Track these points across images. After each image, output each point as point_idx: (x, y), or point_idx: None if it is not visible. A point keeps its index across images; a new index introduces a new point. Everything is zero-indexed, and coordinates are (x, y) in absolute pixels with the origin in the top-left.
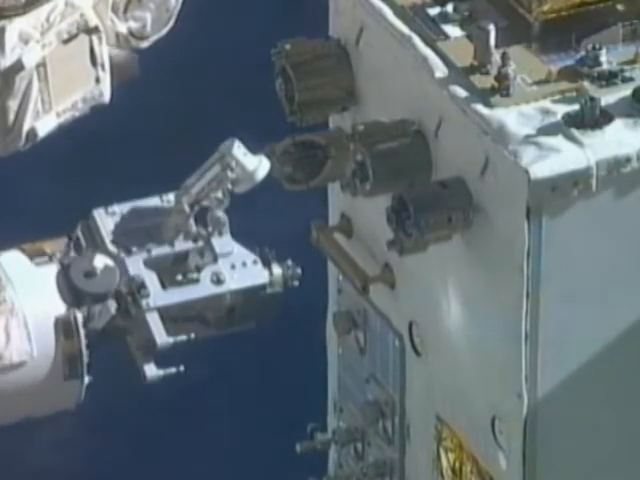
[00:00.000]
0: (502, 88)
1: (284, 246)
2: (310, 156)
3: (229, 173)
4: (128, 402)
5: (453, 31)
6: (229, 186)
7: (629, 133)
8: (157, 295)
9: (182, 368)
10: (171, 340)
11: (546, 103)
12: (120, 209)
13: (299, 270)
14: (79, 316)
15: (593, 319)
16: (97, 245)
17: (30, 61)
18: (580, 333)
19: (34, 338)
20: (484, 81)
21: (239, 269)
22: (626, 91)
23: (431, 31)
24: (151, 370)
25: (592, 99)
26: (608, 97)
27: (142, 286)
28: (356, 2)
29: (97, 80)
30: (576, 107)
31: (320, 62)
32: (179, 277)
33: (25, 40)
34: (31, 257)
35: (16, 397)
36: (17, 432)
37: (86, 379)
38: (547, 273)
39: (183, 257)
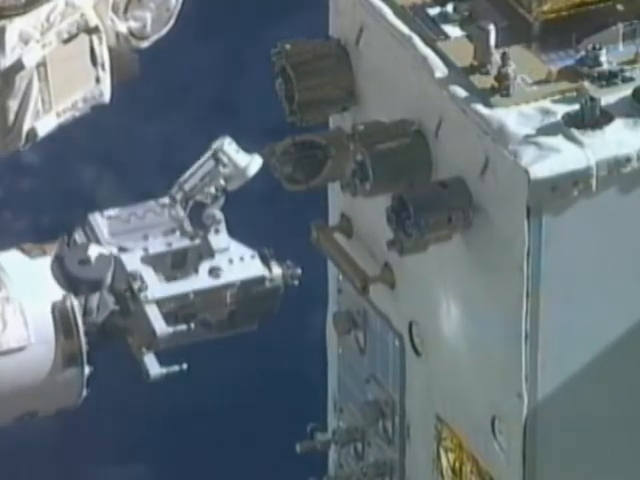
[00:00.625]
0: (502, 88)
1: (284, 246)
2: (310, 156)
3: (221, 168)
4: (129, 401)
5: (453, 31)
6: (222, 182)
7: (629, 133)
8: (155, 288)
9: (185, 366)
10: (170, 330)
11: (546, 103)
12: (115, 212)
13: (299, 270)
14: (75, 302)
15: (593, 319)
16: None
17: (30, 61)
18: (580, 333)
19: (31, 324)
20: (484, 81)
21: (237, 263)
22: (626, 91)
23: (431, 31)
24: (154, 368)
25: (592, 99)
26: (608, 97)
27: (140, 280)
28: (356, 2)
29: (97, 80)
30: (576, 107)
31: (320, 62)
32: (177, 274)
33: (25, 40)
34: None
35: (16, 386)
36: None
37: (87, 369)
38: (547, 273)
39: (180, 255)
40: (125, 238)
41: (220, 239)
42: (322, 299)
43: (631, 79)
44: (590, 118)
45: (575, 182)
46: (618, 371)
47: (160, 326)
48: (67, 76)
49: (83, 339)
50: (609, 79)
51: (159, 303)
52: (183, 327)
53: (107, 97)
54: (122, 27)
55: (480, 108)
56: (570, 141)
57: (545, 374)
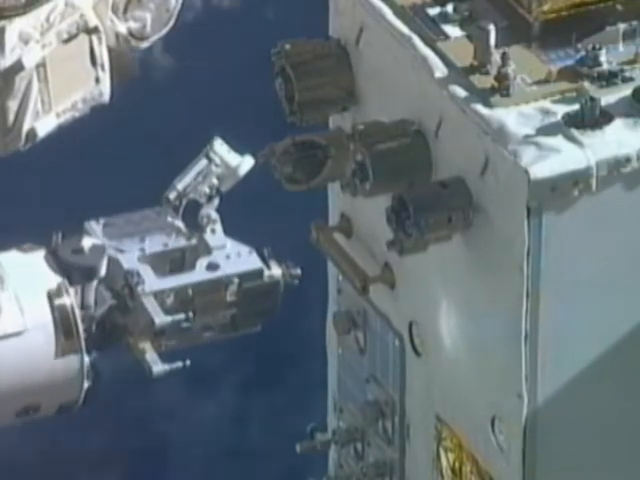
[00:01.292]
0: (502, 88)
1: (284, 246)
2: (310, 156)
3: (213, 167)
4: (129, 400)
5: (453, 31)
6: (215, 181)
7: (629, 133)
8: (152, 282)
9: (188, 363)
10: (169, 319)
11: (546, 103)
12: (111, 220)
13: (298, 270)
14: (71, 290)
15: (593, 319)
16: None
17: (30, 61)
18: (580, 333)
19: (27, 310)
20: (484, 81)
21: (234, 258)
22: (626, 91)
23: (431, 31)
24: (157, 365)
25: (592, 99)
26: (608, 97)
27: (137, 276)
28: (356, 2)
29: (97, 80)
30: (576, 107)
31: (320, 62)
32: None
33: (25, 40)
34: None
35: (15, 374)
36: None
37: (86, 358)
38: (547, 273)
39: (178, 256)
40: (122, 241)
41: (217, 238)
42: (322, 299)
43: (631, 79)
44: (590, 118)
45: (575, 182)
46: (618, 371)
47: (158, 315)
48: (67, 76)
49: (80, 324)
50: (609, 79)
51: (157, 296)
52: (181, 316)
53: (107, 97)
54: (122, 27)
55: (480, 108)
56: (570, 141)
57: (545, 374)
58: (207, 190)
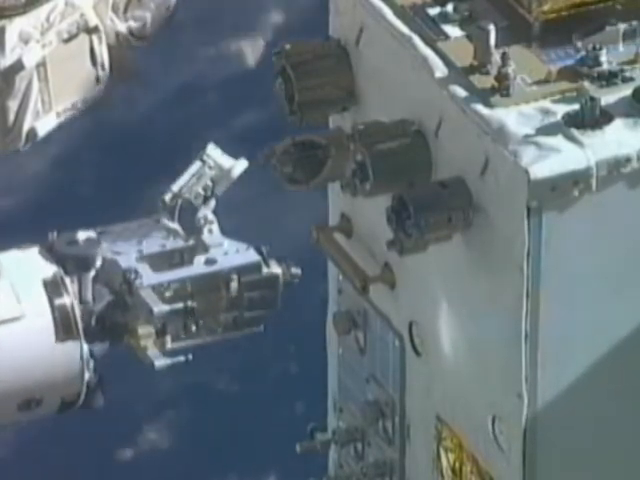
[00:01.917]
0: (502, 88)
1: (284, 246)
2: (310, 156)
3: (207, 170)
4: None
5: (453, 31)
6: (209, 182)
7: (629, 133)
8: (150, 276)
9: (190, 357)
10: (167, 308)
11: (546, 103)
12: (107, 229)
13: (298, 269)
14: (66, 279)
15: (593, 319)
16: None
17: (30, 61)
18: (580, 333)
19: (23, 299)
20: (484, 81)
21: (232, 254)
22: (626, 91)
23: (431, 31)
24: (158, 359)
25: (592, 99)
26: (608, 97)
27: (134, 272)
28: (356, 2)
29: (97, 80)
30: (576, 107)
31: (320, 62)
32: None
33: (25, 40)
34: None
35: (14, 363)
36: None
37: (85, 347)
38: (547, 273)
39: (177, 257)
40: (119, 244)
41: (214, 238)
42: (322, 299)
43: (631, 79)
44: (590, 118)
45: (575, 182)
46: (618, 371)
47: (157, 304)
48: (67, 76)
49: (78, 312)
50: (609, 79)
51: (155, 289)
52: (180, 305)
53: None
54: (122, 27)
55: (480, 108)
56: (570, 141)
57: (545, 374)
58: (202, 191)
